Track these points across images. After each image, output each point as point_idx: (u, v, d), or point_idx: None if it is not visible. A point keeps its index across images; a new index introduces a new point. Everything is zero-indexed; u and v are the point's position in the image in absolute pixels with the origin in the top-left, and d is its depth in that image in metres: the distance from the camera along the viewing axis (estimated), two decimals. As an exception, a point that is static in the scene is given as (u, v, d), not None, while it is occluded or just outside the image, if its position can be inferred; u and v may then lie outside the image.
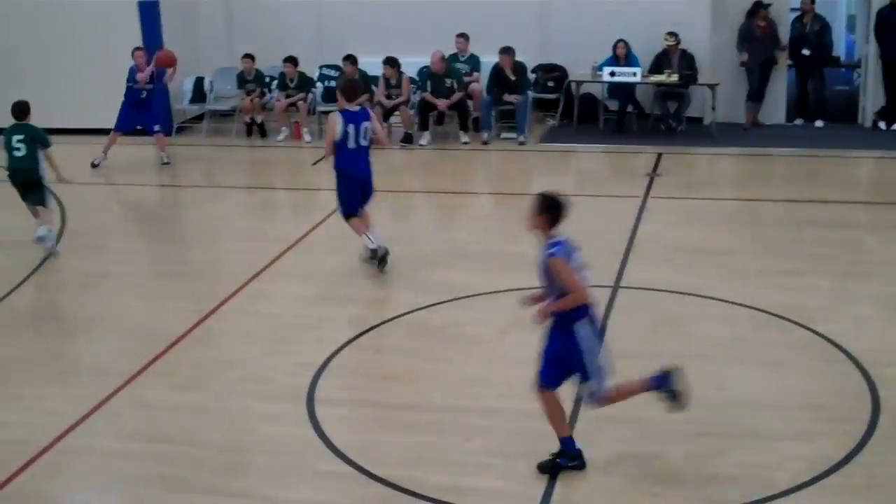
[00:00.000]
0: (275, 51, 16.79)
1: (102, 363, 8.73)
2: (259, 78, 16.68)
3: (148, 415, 7.81)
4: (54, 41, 16.72)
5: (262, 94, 16.68)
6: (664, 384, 6.60)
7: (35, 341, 9.37)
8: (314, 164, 14.39)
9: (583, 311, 6.41)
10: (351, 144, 10.28)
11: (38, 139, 11.38)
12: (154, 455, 7.19)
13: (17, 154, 11.33)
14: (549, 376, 6.56)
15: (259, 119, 16.70)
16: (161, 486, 6.82)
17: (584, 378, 6.51)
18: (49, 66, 16.72)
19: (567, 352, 6.44)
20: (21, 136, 11.34)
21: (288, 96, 16.39)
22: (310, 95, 16.68)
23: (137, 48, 15.48)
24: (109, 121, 15.43)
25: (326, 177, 14.68)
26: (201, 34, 17.93)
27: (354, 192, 10.53)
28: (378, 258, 10.46)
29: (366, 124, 10.36)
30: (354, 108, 10.41)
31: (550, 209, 6.37)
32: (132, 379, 8.33)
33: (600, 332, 6.76)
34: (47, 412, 7.88)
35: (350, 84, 10.98)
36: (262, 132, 16.72)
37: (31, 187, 11.43)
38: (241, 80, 16.82)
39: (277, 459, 7.06)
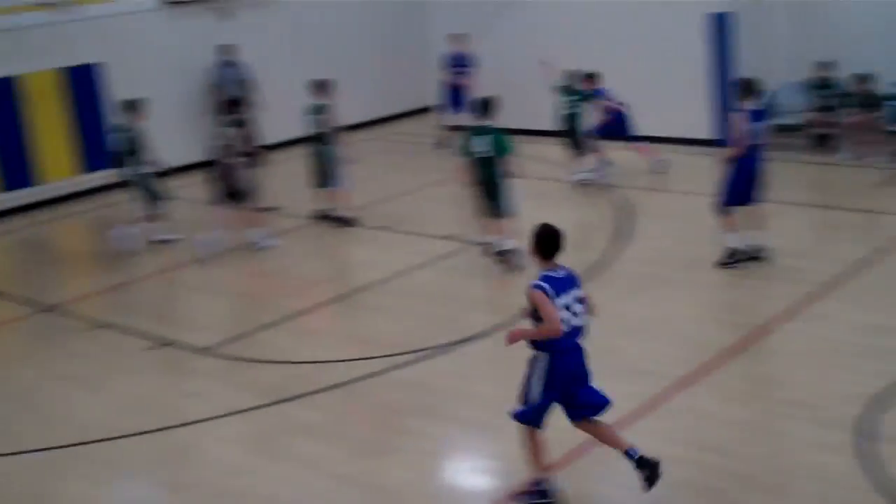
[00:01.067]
0: (844, 67, 16.02)
1: (654, 365, 8.86)
2: (833, 86, 15.99)
3: (694, 422, 7.78)
4: (621, 54, 17.26)
5: (833, 108, 16.00)
6: (635, 456, 6.65)
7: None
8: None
9: (551, 345, 6.52)
10: (755, 140, 10.67)
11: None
12: (696, 463, 7.16)
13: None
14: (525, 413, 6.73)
15: (829, 133, 16.04)
16: (701, 496, 6.75)
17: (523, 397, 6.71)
18: (625, 77, 17.28)
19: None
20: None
21: (857, 113, 15.60)
22: (880, 113, 15.74)
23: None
24: (674, 129, 15.71)
25: (893, 200, 13.84)
26: (773, 46, 17.58)
27: (748, 185, 10.86)
28: (750, 257, 11.04)
29: (765, 123, 10.88)
30: (758, 107, 10.78)
31: (538, 243, 6.58)
32: (681, 384, 8.36)
33: (572, 374, 6.66)
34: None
35: (749, 84, 10.92)
36: (831, 148, 16.02)
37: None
38: (815, 86, 16.23)
39: (820, 488, 6.72)
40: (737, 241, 11.06)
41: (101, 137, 16.40)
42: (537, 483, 6.82)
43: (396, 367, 9.30)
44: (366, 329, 10.46)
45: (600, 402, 6.74)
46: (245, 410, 8.73)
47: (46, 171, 16.23)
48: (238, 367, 9.73)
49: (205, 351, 10.11)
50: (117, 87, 16.31)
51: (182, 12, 17.89)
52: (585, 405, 6.72)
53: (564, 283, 6.54)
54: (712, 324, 9.79)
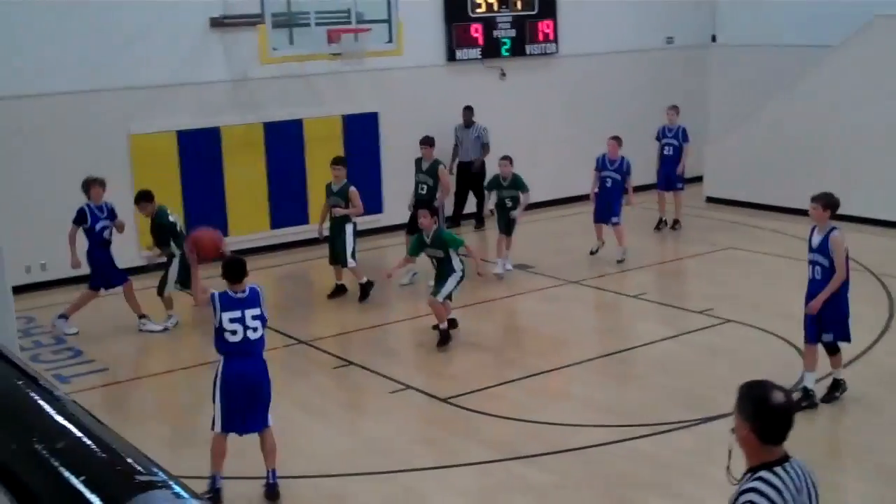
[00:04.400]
0: None
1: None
2: None
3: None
4: None
5: None
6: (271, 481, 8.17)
7: (839, 430, 9.15)
8: None
9: (223, 351, 8.00)
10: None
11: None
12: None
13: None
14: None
15: None
16: None
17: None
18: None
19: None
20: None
21: None
22: None
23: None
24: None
25: None
26: None
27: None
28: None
29: None
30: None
31: (224, 271, 8.08)
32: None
33: (242, 380, 7.96)
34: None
35: (837, 201, 9.59)
36: None
37: None
38: None
39: None
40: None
41: (369, 182, 17.05)
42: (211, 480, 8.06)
43: (634, 437, 9.06)
44: (607, 396, 10.26)
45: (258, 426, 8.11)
46: (474, 464, 8.73)
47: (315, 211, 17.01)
48: (475, 419, 9.75)
49: (446, 399, 10.20)
50: (391, 137, 16.97)
51: (463, 69, 18.38)
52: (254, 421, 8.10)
53: (240, 302, 7.96)
54: None
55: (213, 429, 8.11)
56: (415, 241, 12.22)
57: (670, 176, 17.24)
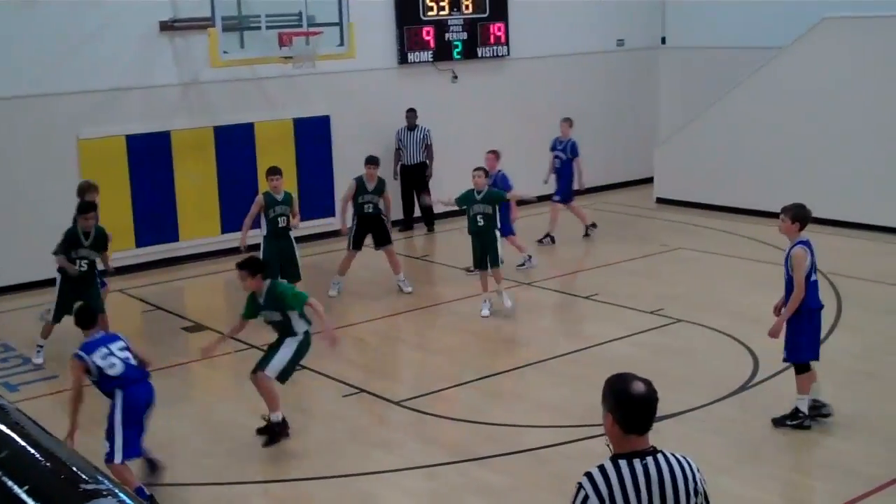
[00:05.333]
0: None
1: (853, 464, 8.34)
2: None
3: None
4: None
5: None
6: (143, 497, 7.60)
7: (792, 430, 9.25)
8: None
9: (115, 387, 7.93)
10: (814, 277, 9.01)
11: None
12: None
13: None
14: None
15: None
16: None
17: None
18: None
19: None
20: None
21: None
22: None
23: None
24: None
25: None
26: None
27: (818, 331, 9.14)
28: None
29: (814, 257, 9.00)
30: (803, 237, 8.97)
31: (77, 319, 8.50)
32: (881, 488, 7.83)
33: (143, 403, 8.04)
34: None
35: (807, 212, 9.03)
36: None
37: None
38: None
39: None
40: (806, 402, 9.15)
41: (321, 185, 17.04)
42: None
43: (586, 438, 9.10)
44: (559, 397, 10.31)
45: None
46: (429, 466, 8.75)
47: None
48: (429, 421, 9.78)
49: (399, 402, 10.21)
50: (343, 140, 16.94)
51: (415, 72, 18.39)
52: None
53: (102, 341, 8.11)
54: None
55: (111, 461, 7.87)
56: (248, 302, 9.64)
57: (560, 188, 16.85)
